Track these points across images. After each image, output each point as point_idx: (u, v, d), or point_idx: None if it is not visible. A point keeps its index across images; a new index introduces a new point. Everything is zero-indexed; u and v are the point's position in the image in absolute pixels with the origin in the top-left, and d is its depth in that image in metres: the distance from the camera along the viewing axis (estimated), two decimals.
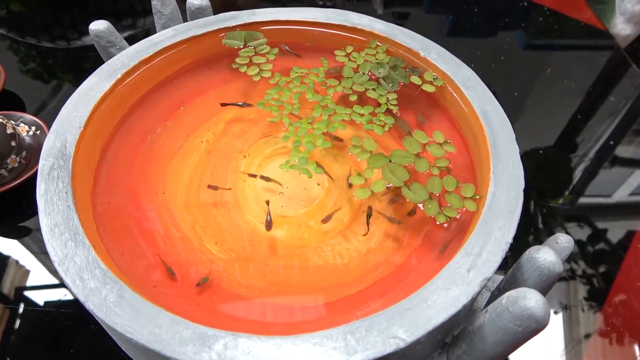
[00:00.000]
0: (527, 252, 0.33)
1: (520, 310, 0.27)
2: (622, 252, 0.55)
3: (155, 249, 0.36)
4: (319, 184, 0.40)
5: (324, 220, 0.38)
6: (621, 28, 1.14)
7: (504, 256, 0.32)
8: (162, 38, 0.47)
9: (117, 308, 0.29)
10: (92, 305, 0.29)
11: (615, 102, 0.70)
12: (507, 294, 0.29)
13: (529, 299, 0.27)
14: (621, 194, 0.62)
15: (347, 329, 0.28)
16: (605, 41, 0.80)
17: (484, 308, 0.38)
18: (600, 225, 0.58)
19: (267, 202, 0.38)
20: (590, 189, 0.62)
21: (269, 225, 0.37)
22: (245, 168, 0.41)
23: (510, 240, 0.33)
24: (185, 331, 0.28)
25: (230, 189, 0.39)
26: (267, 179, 0.39)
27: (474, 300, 0.30)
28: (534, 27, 0.81)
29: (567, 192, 0.61)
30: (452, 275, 0.31)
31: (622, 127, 0.68)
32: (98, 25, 0.46)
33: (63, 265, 0.31)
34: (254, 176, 0.40)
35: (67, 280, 0.30)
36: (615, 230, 0.57)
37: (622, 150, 0.66)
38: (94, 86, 0.42)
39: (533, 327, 0.27)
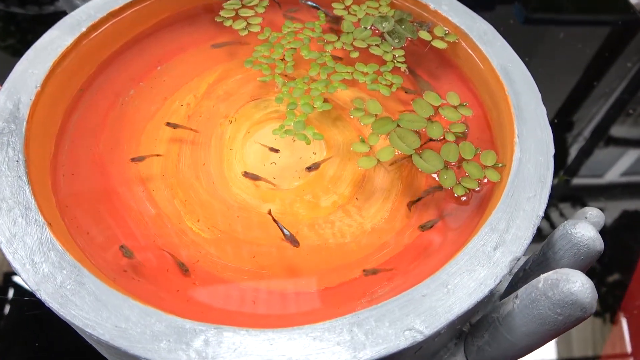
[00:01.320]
0: (560, 227, 0.28)
1: (562, 295, 0.22)
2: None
3: (126, 228, 0.31)
4: (315, 153, 0.35)
5: (309, 168, 0.33)
6: None
7: (535, 232, 0.27)
8: None
9: (75, 297, 0.24)
10: (45, 294, 0.24)
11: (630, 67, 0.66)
12: (543, 276, 0.24)
13: (573, 281, 0.22)
14: None
15: (353, 319, 0.24)
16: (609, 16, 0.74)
17: (506, 293, 0.33)
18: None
19: (270, 212, 0.31)
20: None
21: (293, 240, 0.30)
22: (231, 135, 0.36)
23: (541, 213, 0.28)
24: (158, 324, 0.23)
25: (197, 130, 0.35)
26: (256, 177, 0.33)
27: (499, 284, 0.26)
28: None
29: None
30: (476, 254, 0.26)
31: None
32: None
33: (11, 246, 0.25)
34: (257, 178, 0.34)
35: (16, 265, 0.25)
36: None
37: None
38: (54, 40, 0.36)
39: (577, 316, 0.23)
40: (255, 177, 0.33)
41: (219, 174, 0.34)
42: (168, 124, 0.35)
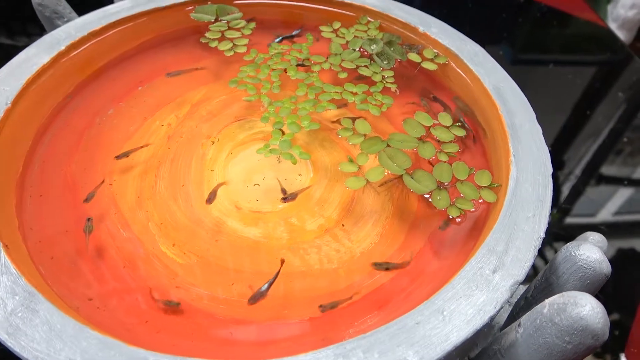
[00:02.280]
0: (563, 249, 0.26)
1: (570, 321, 0.20)
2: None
3: (95, 252, 0.28)
4: (300, 175, 0.33)
5: (285, 199, 0.31)
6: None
7: (536, 254, 0.25)
8: (118, 9, 0.40)
9: (27, 326, 0.21)
10: None
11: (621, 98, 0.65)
12: (548, 300, 0.22)
13: (582, 305, 0.20)
14: None
15: (339, 350, 0.21)
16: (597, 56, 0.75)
17: (506, 325, 0.31)
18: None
19: (282, 262, 0.28)
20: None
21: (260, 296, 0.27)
22: (213, 156, 0.34)
23: (542, 234, 0.26)
24: (119, 357, 0.21)
25: (147, 144, 0.33)
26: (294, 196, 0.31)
27: (500, 311, 0.24)
28: (520, 41, 0.75)
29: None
30: (474, 278, 0.24)
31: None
32: None
33: None
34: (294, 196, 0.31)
35: None
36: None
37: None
38: (31, 58, 0.35)
39: (588, 344, 0.20)
40: (293, 196, 0.31)
41: (199, 196, 0.32)
42: (117, 157, 0.33)
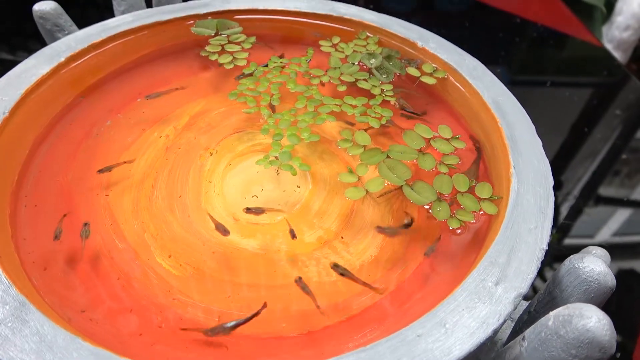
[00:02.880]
0: (566, 262, 0.25)
1: (576, 333, 0.20)
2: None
3: (89, 263, 0.28)
4: (299, 187, 0.33)
5: (249, 210, 0.31)
6: None
7: (539, 267, 0.25)
8: (119, 23, 0.40)
9: (17, 337, 0.21)
10: None
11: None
12: (553, 313, 0.21)
13: (588, 317, 0.20)
14: None
15: None
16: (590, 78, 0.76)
17: (509, 339, 0.30)
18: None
19: (264, 306, 0.27)
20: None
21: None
22: (211, 167, 0.34)
23: (545, 246, 0.26)
24: None
25: (132, 160, 0.33)
26: (260, 211, 0.31)
27: (503, 324, 0.23)
28: (517, 60, 0.76)
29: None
30: (476, 290, 0.23)
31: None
32: (44, 6, 0.40)
33: None
34: (261, 211, 0.31)
35: None
36: None
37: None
38: (30, 69, 0.35)
39: (595, 357, 0.20)
40: (259, 211, 0.31)
41: (196, 207, 0.31)
42: (100, 171, 0.32)
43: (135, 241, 0.29)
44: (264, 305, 0.26)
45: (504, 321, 0.22)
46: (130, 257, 0.28)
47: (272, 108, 0.36)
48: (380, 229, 0.28)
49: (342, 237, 0.30)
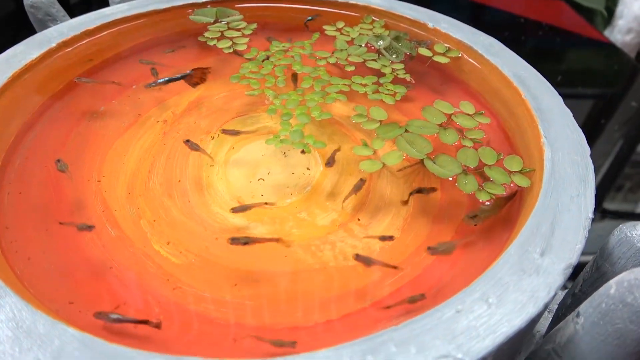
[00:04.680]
0: (616, 232, 0.23)
1: None
2: None
3: (78, 253, 0.25)
4: (309, 169, 0.30)
5: (235, 209, 0.27)
6: None
7: (587, 236, 0.22)
8: (114, 11, 0.38)
9: None
10: None
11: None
12: (614, 280, 0.18)
13: None
14: None
15: (366, 345, 0.17)
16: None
17: (547, 332, 0.27)
18: None
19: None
20: None
21: None
22: (212, 151, 0.31)
23: (591, 215, 0.23)
24: (98, 358, 0.17)
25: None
26: (246, 208, 0.27)
27: (554, 298, 0.20)
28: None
29: None
30: (520, 262, 0.20)
31: None
32: None
33: None
34: (247, 208, 0.27)
35: None
36: None
37: None
38: (18, 54, 0.33)
39: None
40: (245, 208, 0.27)
41: (197, 191, 0.28)
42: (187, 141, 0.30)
43: (129, 228, 0.26)
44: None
45: (555, 295, 0.19)
46: (124, 244, 0.25)
47: (295, 78, 0.34)
48: (433, 250, 0.25)
49: (358, 219, 0.27)
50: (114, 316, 0.21)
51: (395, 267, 0.24)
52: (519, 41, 0.75)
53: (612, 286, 0.18)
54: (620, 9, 1.08)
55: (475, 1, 0.82)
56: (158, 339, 0.21)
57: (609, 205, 0.55)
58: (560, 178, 0.24)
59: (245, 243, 0.26)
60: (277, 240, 0.26)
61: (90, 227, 0.26)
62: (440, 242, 0.25)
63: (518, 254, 0.21)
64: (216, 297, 0.23)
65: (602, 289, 0.19)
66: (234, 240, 0.26)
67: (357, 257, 0.25)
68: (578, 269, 0.23)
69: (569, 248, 0.21)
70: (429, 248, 0.25)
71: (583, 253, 0.21)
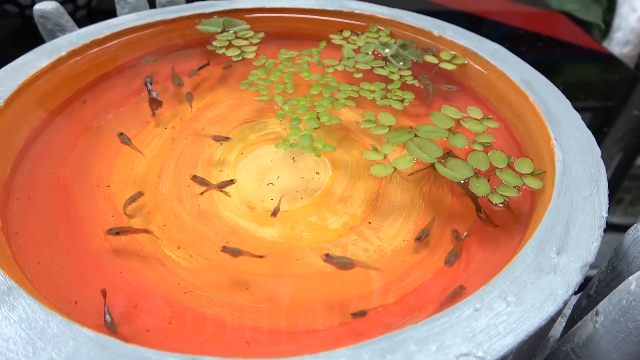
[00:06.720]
0: (630, 231, 0.22)
1: None
2: None
3: (88, 258, 0.25)
4: (318, 173, 0.30)
5: (224, 248, 0.25)
6: None
7: (602, 235, 0.22)
8: (122, 21, 0.39)
9: (2, 325, 0.17)
10: None
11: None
12: (634, 277, 0.18)
13: None
14: None
15: (386, 343, 0.17)
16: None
17: (561, 337, 0.27)
18: None
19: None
20: None
21: None
22: (221, 156, 0.31)
23: (605, 214, 0.23)
24: (115, 358, 0.16)
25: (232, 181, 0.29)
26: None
27: (572, 295, 0.20)
28: None
29: None
30: (536, 261, 0.20)
31: None
32: (45, 5, 0.38)
33: None
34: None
35: None
36: None
37: None
38: (29, 62, 0.33)
39: None
40: (236, 252, 0.24)
41: (206, 196, 0.28)
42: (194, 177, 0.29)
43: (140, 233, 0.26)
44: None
45: (573, 292, 0.19)
46: (135, 249, 0.25)
47: (286, 96, 0.34)
48: (448, 263, 0.24)
49: (369, 223, 0.27)
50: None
51: (378, 269, 0.24)
52: (518, 53, 0.75)
53: (632, 282, 0.18)
54: (617, 21, 1.10)
55: (475, 14, 0.83)
56: (173, 339, 0.21)
57: (609, 218, 0.55)
58: (572, 179, 0.24)
59: (235, 254, 0.24)
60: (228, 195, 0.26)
61: (100, 233, 0.26)
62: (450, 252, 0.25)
63: (534, 253, 0.21)
64: (228, 301, 0.23)
65: (621, 286, 0.18)
66: (225, 249, 0.24)
67: (327, 258, 0.24)
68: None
69: (585, 246, 0.21)
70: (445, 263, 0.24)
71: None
